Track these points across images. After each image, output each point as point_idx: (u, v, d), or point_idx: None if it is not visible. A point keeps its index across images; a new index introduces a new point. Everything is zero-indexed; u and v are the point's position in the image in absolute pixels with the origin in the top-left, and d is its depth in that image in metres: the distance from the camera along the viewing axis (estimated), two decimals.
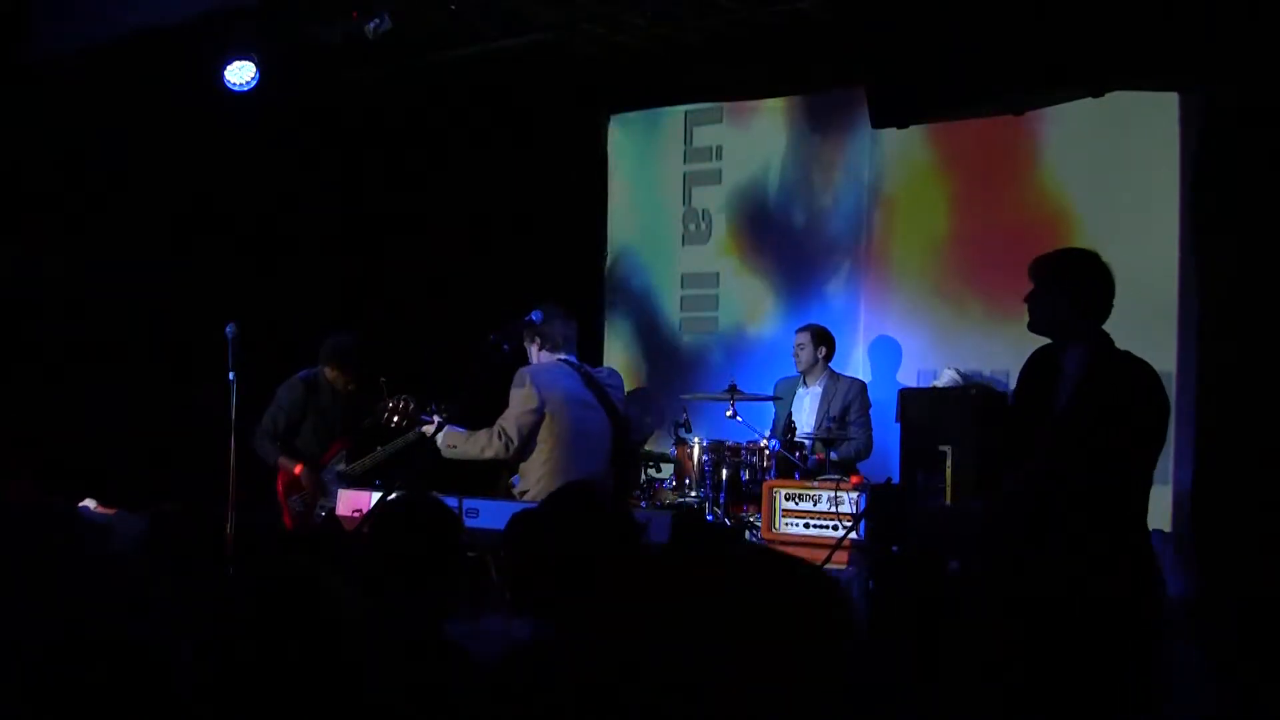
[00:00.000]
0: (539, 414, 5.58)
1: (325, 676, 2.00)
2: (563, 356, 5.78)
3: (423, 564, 3.00)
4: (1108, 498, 4.13)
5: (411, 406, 5.89)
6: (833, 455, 6.76)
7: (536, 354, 5.82)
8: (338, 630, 2.04)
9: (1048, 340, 4.35)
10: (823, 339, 7.31)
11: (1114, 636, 4.02)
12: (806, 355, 7.27)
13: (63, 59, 7.55)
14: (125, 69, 7.40)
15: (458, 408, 5.73)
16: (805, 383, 7.34)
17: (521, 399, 5.60)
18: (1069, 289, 4.25)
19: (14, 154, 7.42)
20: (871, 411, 7.23)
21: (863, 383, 7.32)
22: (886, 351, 7.93)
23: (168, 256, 7.90)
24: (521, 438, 5.59)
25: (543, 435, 5.61)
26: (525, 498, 5.52)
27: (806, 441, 6.88)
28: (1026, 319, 4.35)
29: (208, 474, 5.86)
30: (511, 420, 5.60)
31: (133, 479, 6.65)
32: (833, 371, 7.32)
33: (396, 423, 5.95)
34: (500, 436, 5.59)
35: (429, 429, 5.77)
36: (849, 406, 7.14)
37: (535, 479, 5.59)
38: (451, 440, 5.66)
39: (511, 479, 5.90)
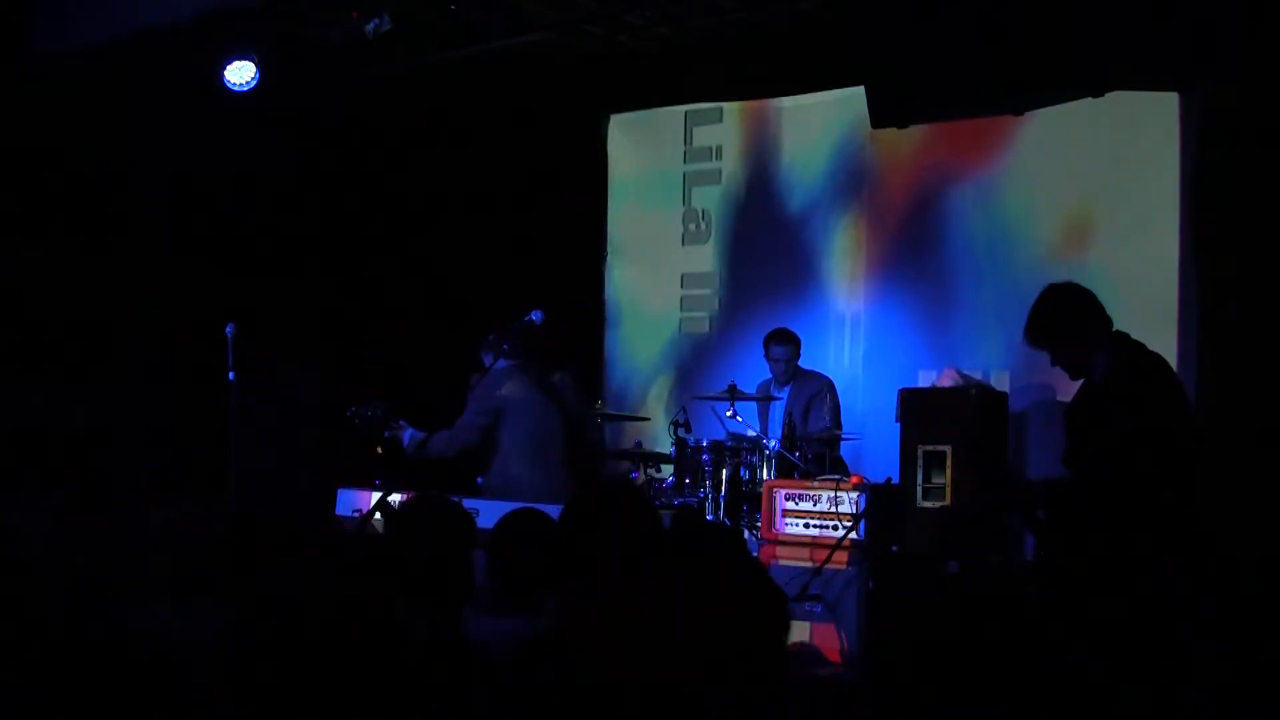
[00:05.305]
0: (495, 416, 6.07)
1: (348, 678, 1.99)
2: (520, 361, 6.18)
3: (440, 564, 3.00)
4: (1134, 494, 4.15)
5: (380, 414, 6.18)
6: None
7: (494, 359, 6.20)
8: (364, 633, 2.03)
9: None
10: (799, 344, 7.28)
11: (1146, 637, 4.05)
12: (793, 367, 7.22)
13: (63, 59, 7.56)
14: (125, 69, 7.40)
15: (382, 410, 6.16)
16: (777, 386, 7.31)
17: (479, 401, 6.10)
18: (1067, 330, 4.52)
19: (14, 154, 7.42)
20: (871, 411, 7.20)
21: (827, 378, 7.29)
22: (886, 351, 7.91)
23: (168, 256, 7.90)
24: (481, 438, 6.08)
25: (500, 435, 6.07)
26: (488, 495, 5.90)
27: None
28: (1025, 327, 4.65)
29: (208, 474, 5.87)
30: (471, 421, 6.10)
31: (133, 479, 6.65)
32: (799, 369, 7.29)
33: (367, 431, 6.24)
34: (460, 436, 6.09)
35: (400, 433, 6.18)
36: (812, 398, 7.12)
37: (494, 474, 6.10)
38: (415, 442, 6.12)
39: (478, 479, 6.29)
